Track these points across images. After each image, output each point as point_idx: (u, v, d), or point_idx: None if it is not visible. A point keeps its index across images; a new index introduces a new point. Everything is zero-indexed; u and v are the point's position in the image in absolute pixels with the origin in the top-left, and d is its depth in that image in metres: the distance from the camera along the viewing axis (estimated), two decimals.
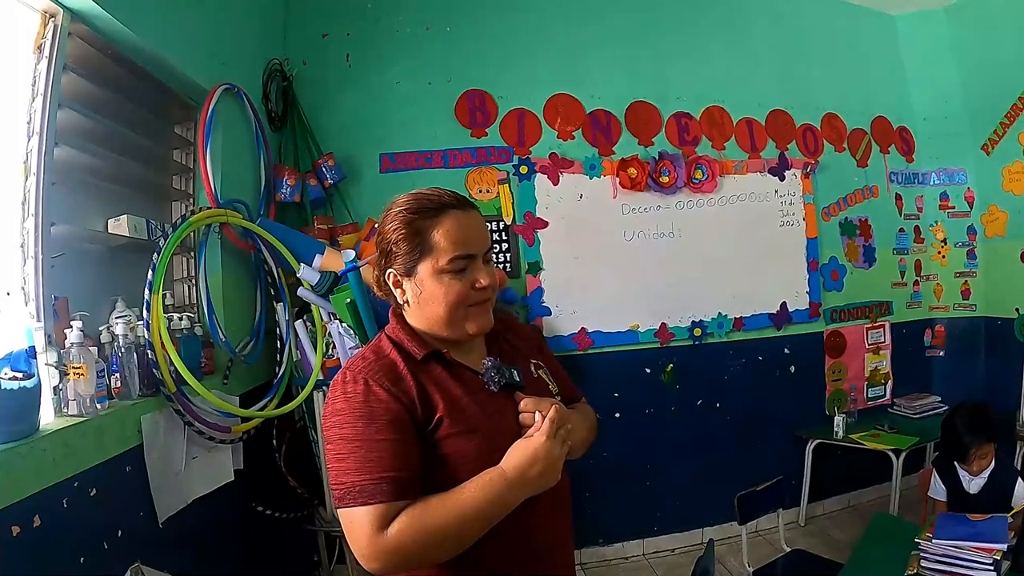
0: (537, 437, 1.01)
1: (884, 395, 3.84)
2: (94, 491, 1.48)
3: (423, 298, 1.07)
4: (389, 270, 1.10)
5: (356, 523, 0.94)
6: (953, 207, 3.97)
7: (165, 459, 1.82)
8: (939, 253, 4.00)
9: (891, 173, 3.91)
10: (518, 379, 1.11)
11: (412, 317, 1.11)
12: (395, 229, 1.06)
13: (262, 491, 2.48)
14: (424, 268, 1.05)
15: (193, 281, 2.30)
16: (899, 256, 3.91)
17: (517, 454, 1.00)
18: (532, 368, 1.20)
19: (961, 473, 2.32)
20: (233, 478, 2.20)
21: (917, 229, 3.98)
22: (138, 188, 2.12)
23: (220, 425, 2.05)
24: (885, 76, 3.96)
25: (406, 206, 1.07)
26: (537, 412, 1.05)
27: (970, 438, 2.25)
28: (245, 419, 2.19)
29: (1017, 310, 3.60)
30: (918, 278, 3.97)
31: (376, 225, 1.14)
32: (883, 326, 3.83)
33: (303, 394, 2.41)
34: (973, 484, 2.29)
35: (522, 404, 1.07)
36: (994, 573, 1.67)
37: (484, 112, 3.20)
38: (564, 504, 1.16)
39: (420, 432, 1.00)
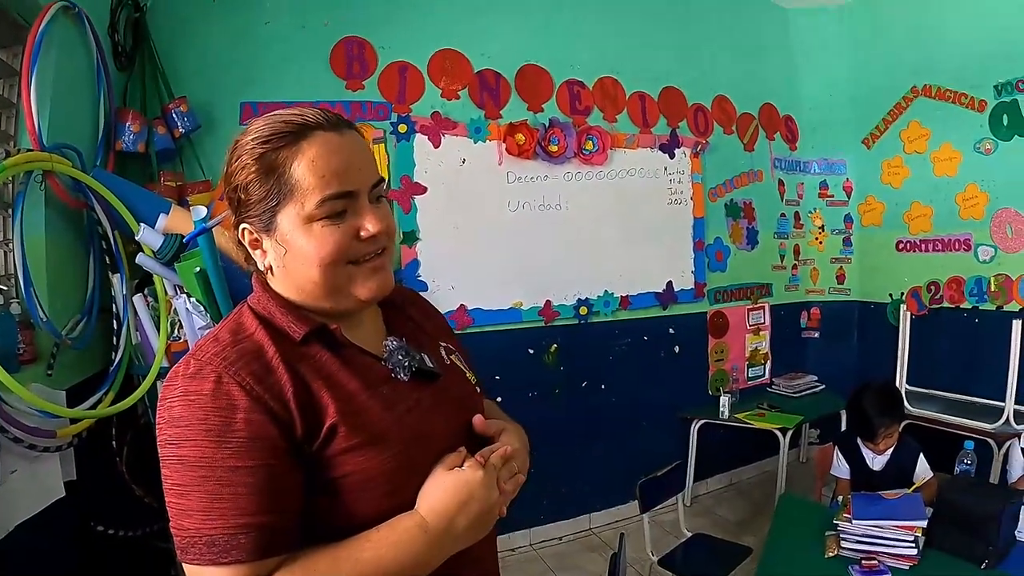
0: (469, 471, 0.76)
1: (763, 375, 3.94)
2: None
3: (289, 259, 0.78)
4: (243, 226, 0.81)
5: None
6: (832, 196, 4.12)
7: None
8: (816, 239, 4.15)
9: (775, 159, 4.00)
10: (431, 365, 0.86)
11: (280, 286, 0.82)
12: (242, 168, 0.77)
13: (102, 506, 2.03)
14: (286, 218, 0.76)
15: (9, 245, 1.83)
16: (779, 240, 4.02)
17: (441, 494, 0.75)
18: (443, 353, 0.94)
19: (864, 451, 2.33)
20: (64, 493, 1.75)
21: (797, 215, 4.10)
22: None
23: (42, 429, 1.63)
24: (775, 65, 4.03)
25: (255, 134, 0.77)
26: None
27: (879, 419, 2.25)
28: (75, 420, 1.76)
29: (890, 295, 3.77)
30: (796, 262, 4.10)
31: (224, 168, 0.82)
32: (763, 307, 3.92)
33: (143, 385, 1.98)
34: (876, 461, 2.31)
35: (478, 425, 0.85)
36: (915, 549, 1.69)
37: (362, 62, 2.90)
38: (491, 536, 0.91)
39: (299, 450, 0.71)
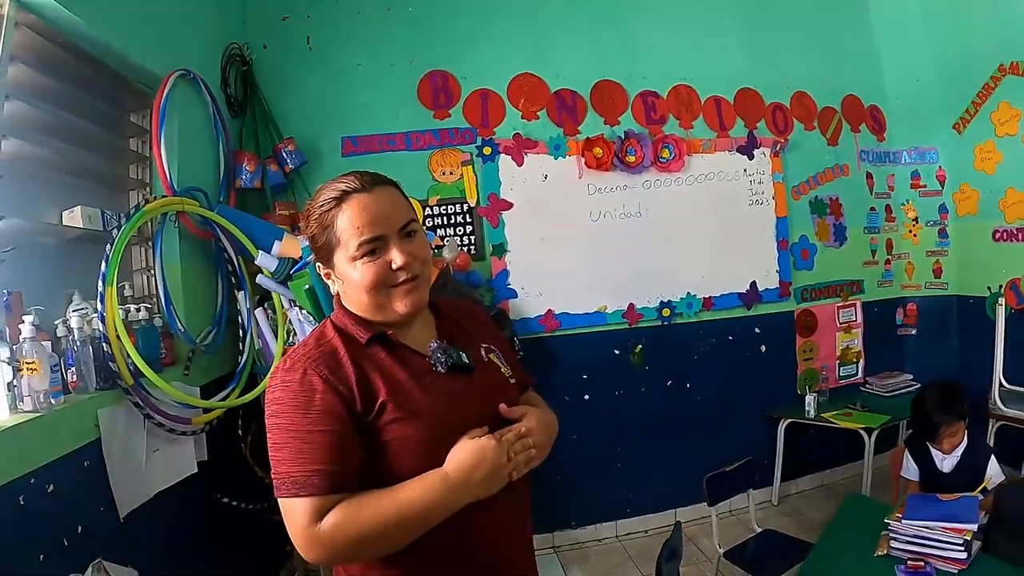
0: (486, 439, 0.99)
1: (856, 374, 3.84)
2: (52, 487, 1.45)
3: (346, 287, 1.07)
4: (318, 264, 1.11)
5: (291, 513, 0.93)
6: (924, 186, 3.96)
7: (125, 453, 1.79)
8: (910, 232, 3.99)
9: (862, 152, 3.89)
10: (467, 361, 1.10)
11: (348, 304, 1.10)
12: (308, 225, 1.08)
13: (227, 482, 2.44)
14: (339, 259, 1.05)
15: (152, 272, 2.27)
16: (870, 235, 3.91)
17: (461, 455, 0.98)
18: (483, 352, 1.17)
19: (933, 452, 2.29)
20: (196, 470, 2.17)
21: (888, 208, 3.96)
22: (93, 178, 2.09)
23: (180, 417, 2.03)
24: (856, 54, 3.93)
25: (315, 200, 1.07)
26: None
27: (939, 416, 2.23)
28: (207, 410, 2.17)
29: (989, 288, 3.59)
30: (889, 257, 3.96)
31: None
32: (854, 305, 3.83)
33: (264, 382, 2.36)
34: (946, 463, 2.27)
35: (503, 410, 1.07)
36: (964, 553, 1.67)
37: (447, 93, 3.17)
38: (524, 501, 1.12)
39: (359, 423, 0.97)
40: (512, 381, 1.17)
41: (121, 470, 1.75)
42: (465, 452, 0.98)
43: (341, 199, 1.03)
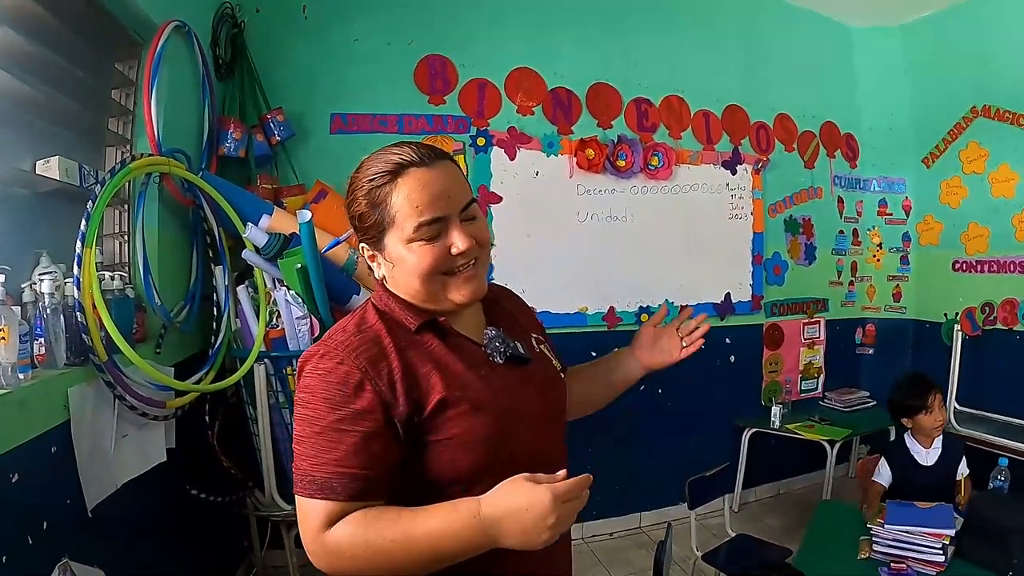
0: (545, 489, 0.78)
1: (816, 388, 3.99)
2: (16, 476, 1.26)
3: (396, 272, 0.95)
4: (362, 244, 0.99)
5: (304, 513, 0.85)
6: (891, 214, 4.15)
7: (94, 438, 1.60)
8: (874, 256, 4.17)
9: (835, 177, 4.05)
10: (522, 352, 1.01)
11: (395, 290, 0.99)
12: (355, 201, 0.95)
13: (193, 472, 2.27)
14: (391, 240, 0.93)
15: (125, 237, 2.08)
16: (837, 256, 4.07)
17: (508, 494, 0.80)
18: (534, 342, 1.09)
19: (914, 450, 2.40)
20: (166, 458, 1.97)
21: (856, 232, 4.14)
22: (71, 128, 1.89)
23: (154, 399, 1.84)
24: (837, 84, 4.08)
25: (363, 172, 0.94)
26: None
27: (923, 390, 2.34)
28: (179, 393, 1.97)
29: (945, 315, 3.78)
30: (853, 278, 4.13)
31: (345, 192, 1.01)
32: (819, 322, 3.98)
33: (245, 366, 2.21)
34: (928, 456, 2.38)
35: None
36: (942, 556, 1.76)
37: (444, 79, 3.11)
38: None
39: (399, 424, 0.87)
40: (562, 375, 1.12)
41: (90, 457, 1.56)
42: (514, 497, 0.80)
43: (396, 173, 0.91)
